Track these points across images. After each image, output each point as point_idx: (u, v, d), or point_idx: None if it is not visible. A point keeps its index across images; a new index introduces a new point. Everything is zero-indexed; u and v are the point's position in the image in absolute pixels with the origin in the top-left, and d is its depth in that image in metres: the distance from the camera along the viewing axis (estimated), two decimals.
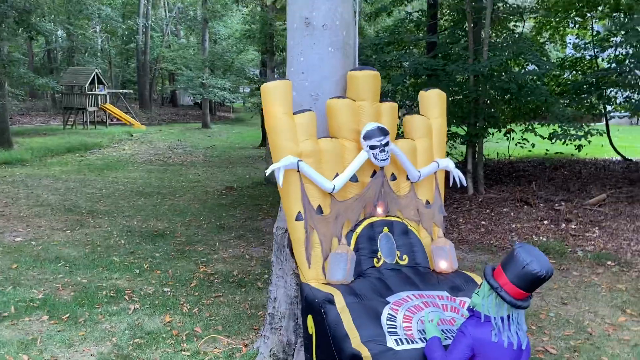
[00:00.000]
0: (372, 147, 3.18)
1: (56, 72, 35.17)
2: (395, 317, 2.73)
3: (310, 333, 2.97)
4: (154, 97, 39.95)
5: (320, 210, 3.14)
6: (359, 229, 3.19)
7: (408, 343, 2.59)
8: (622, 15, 13.09)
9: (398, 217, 3.32)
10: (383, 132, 3.20)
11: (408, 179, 3.42)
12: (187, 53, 34.62)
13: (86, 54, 38.35)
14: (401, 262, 3.20)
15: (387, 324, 2.68)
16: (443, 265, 3.22)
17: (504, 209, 8.93)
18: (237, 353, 4.00)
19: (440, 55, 10.51)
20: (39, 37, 26.89)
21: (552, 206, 8.89)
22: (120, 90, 32.48)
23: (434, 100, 3.66)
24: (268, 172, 3.04)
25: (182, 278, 6.16)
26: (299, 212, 3.11)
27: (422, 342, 2.61)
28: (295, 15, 3.45)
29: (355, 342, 2.59)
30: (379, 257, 3.17)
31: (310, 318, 2.96)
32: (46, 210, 10.00)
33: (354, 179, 3.24)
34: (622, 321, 4.71)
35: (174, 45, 36.98)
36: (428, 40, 11.17)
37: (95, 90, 27.25)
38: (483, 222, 8.29)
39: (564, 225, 7.86)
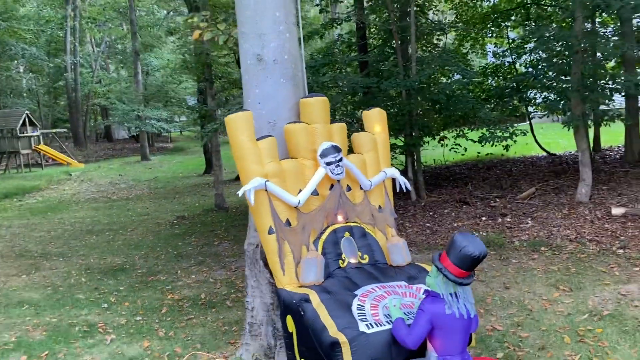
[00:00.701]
0: (328, 164, 3.63)
1: None
2: (364, 307, 3.17)
3: (290, 332, 3.36)
4: (88, 134, 39.09)
5: (288, 223, 3.55)
6: (324, 236, 3.62)
7: (377, 326, 3.03)
8: (533, 23, 14.31)
9: (356, 222, 3.78)
10: (337, 149, 3.67)
11: (361, 188, 3.90)
12: (119, 87, 34.26)
13: (11, 95, 37.18)
14: (362, 261, 3.65)
15: (358, 313, 3.12)
16: (399, 258, 3.70)
17: (446, 210, 9.61)
18: None
19: (372, 73, 11.19)
20: None
21: (488, 203, 9.65)
22: (53, 130, 31.67)
23: (376, 118, 4.17)
24: (240, 193, 3.42)
25: (152, 306, 6.36)
26: (270, 227, 3.51)
27: (389, 324, 3.05)
28: (248, 53, 3.88)
29: (333, 330, 3.01)
30: (343, 258, 3.60)
31: (289, 318, 3.35)
32: None
33: (314, 192, 3.68)
34: (557, 296, 5.34)
35: (105, 80, 36.49)
36: (360, 60, 11.85)
37: (26, 132, 26.49)
38: (428, 224, 8.91)
39: (500, 219, 8.60)
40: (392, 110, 10.21)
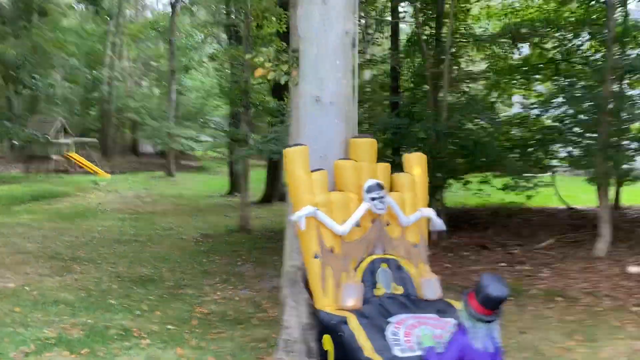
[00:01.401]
0: (372, 199, 4.01)
1: (17, 119, 35.04)
2: (398, 333, 3.50)
3: (326, 350, 3.69)
4: (115, 146, 40.10)
5: (332, 250, 3.91)
6: (363, 265, 3.98)
7: (409, 351, 3.36)
8: (562, 79, 14.68)
9: (393, 255, 4.13)
10: (381, 187, 4.05)
11: (399, 224, 4.26)
12: (151, 103, 35.29)
13: (46, 102, 38.43)
14: (396, 292, 3.99)
15: (392, 338, 3.45)
16: (431, 293, 4.03)
17: (465, 253, 9.88)
18: None
19: (403, 113, 11.63)
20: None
21: (507, 250, 9.91)
22: (86, 139, 32.62)
23: (416, 161, 4.56)
24: (293, 218, 3.80)
25: (182, 317, 6.71)
26: (315, 252, 3.88)
27: (420, 351, 3.37)
28: (307, 94, 4.32)
29: (368, 351, 3.34)
30: (378, 287, 3.95)
31: (326, 337, 3.69)
32: (29, 258, 10.25)
33: (357, 224, 4.05)
34: (571, 345, 5.58)
35: (137, 95, 37.57)
36: (392, 100, 12.33)
37: (60, 139, 27.39)
38: (447, 265, 9.17)
39: (518, 266, 8.84)
40: (421, 152, 10.57)
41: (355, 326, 3.51)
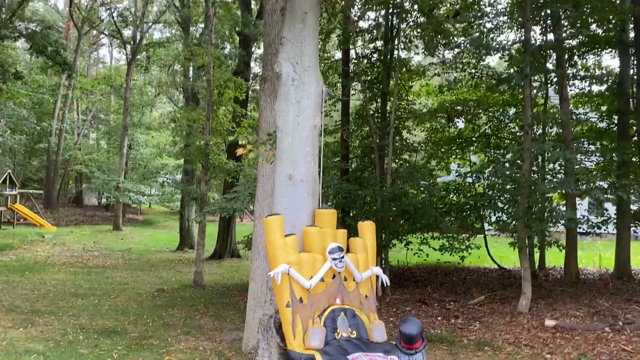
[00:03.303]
0: (334, 259, 5.02)
1: None
2: None
3: None
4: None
5: (301, 300, 4.86)
6: (325, 313, 4.93)
7: None
8: (492, 151, 16.47)
9: (349, 305, 5.11)
10: (340, 249, 5.08)
11: (354, 280, 5.27)
12: (100, 156, 35.38)
13: None
14: (352, 335, 4.95)
15: None
16: (378, 336, 5.01)
17: (407, 308, 10.93)
18: None
19: (352, 179, 12.88)
20: None
21: (443, 305, 11.04)
22: (31, 191, 32.18)
23: (367, 228, 5.64)
24: (271, 274, 4.75)
25: None
26: (288, 301, 4.81)
27: None
28: (282, 173, 5.37)
29: None
30: (338, 332, 4.90)
31: None
32: None
33: (321, 279, 5.03)
34: None
35: (86, 148, 37.54)
36: (343, 167, 13.60)
37: (5, 191, 27.07)
38: (391, 319, 10.17)
39: (453, 320, 9.96)
40: (367, 214, 11.77)
41: None
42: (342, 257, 5.08)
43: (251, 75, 19.50)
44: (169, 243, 25.74)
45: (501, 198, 13.39)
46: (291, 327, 4.76)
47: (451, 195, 17.10)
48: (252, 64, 21.78)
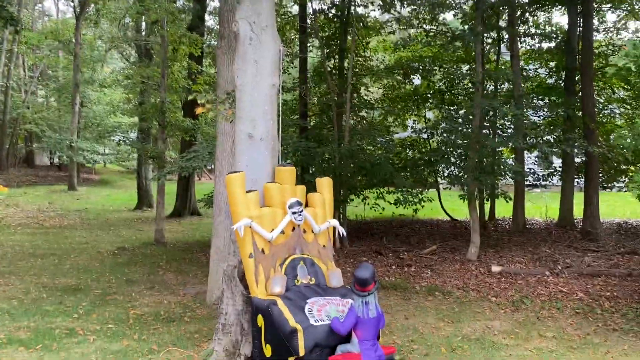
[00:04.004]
0: (293, 213, 5.31)
1: None
2: (312, 309, 4.81)
3: (260, 326, 4.91)
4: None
5: (263, 251, 5.15)
6: (286, 263, 5.24)
7: (321, 321, 4.69)
8: (446, 107, 16.93)
9: (308, 255, 5.44)
10: (300, 204, 5.36)
11: (313, 232, 5.58)
12: (51, 114, 34.23)
13: None
14: (311, 282, 5.29)
15: (308, 313, 4.75)
16: (335, 282, 5.38)
17: (363, 258, 11.44)
18: (194, 355, 5.71)
19: (311, 137, 13.10)
20: None
21: (398, 255, 11.61)
22: None
23: (325, 184, 5.92)
24: (234, 227, 5.00)
25: (119, 318, 7.55)
26: (251, 253, 5.09)
27: (328, 320, 4.71)
28: (242, 132, 5.55)
29: (292, 323, 4.61)
30: (298, 279, 5.23)
31: (259, 317, 4.91)
32: None
33: (282, 231, 5.32)
34: (441, 326, 7.19)
35: (35, 106, 36.20)
36: (302, 125, 13.78)
37: None
38: (349, 269, 10.65)
39: (406, 268, 10.53)
40: (326, 171, 12.09)
41: (281, 306, 4.76)
42: (301, 211, 5.37)
43: (206, 30, 19.09)
44: (126, 202, 25.51)
45: (453, 153, 13.93)
46: (254, 276, 5.06)
47: (407, 151, 17.59)
48: (207, 17, 21.26)
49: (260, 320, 4.91)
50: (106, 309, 8.07)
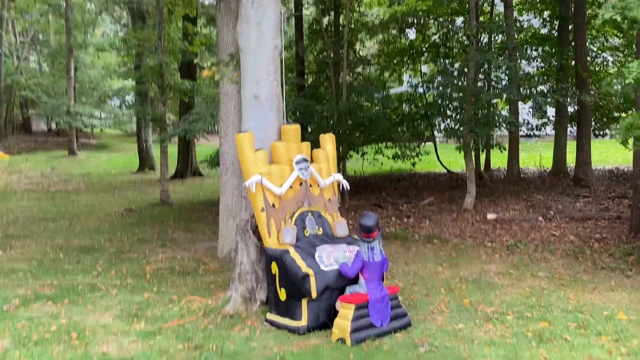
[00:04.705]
0: (300, 169, 5.67)
1: None
2: (322, 256, 5.24)
3: (274, 273, 5.35)
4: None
5: (273, 205, 5.54)
6: (295, 215, 5.64)
7: (330, 266, 5.13)
8: (442, 60, 17.07)
9: (315, 208, 5.84)
10: (305, 160, 5.72)
11: (319, 186, 5.96)
12: (44, 80, 34.09)
13: None
14: (319, 232, 5.71)
15: (318, 259, 5.19)
16: (341, 232, 5.81)
17: (364, 212, 11.88)
18: (212, 303, 6.17)
19: (309, 95, 13.34)
20: None
21: (397, 207, 12.07)
22: None
23: (328, 140, 6.26)
24: (247, 184, 5.37)
25: (136, 274, 8.00)
26: (262, 207, 5.48)
27: (337, 265, 5.15)
28: (247, 93, 5.84)
29: (304, 268, 5.05)
30: (307, 230, 5.64)
31: (273, 264, 5.34)
32: None
33: (290, 187, 5.69)
34: (440, 270, 7.68)
35: (30, 72, 35.98)
36: (299, 83, 13.99)
37: None
38: (350, 222, 11.09)
39: (405, 219, 10.99)
40: (324, 129, 12.38)
41: (293, 254, 5.19)
42: (307, 166, 5.73)
43: None
44: (128, 165, 25.81)
45: (449, 106, 14.21)
46: (266, 228, 5.46)
47: (404, 106, 17.82)
48: None
49: (274, 267, 5.34)
50: (123, 266, 8.52)
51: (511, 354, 4.57)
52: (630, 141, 6.14)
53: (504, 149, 13.34)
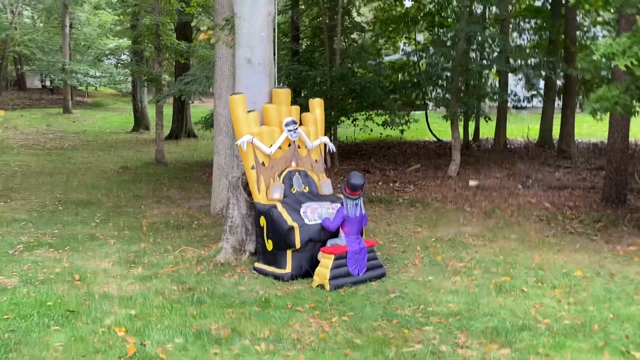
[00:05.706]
0: (289, 130, 6.07)
1: None
2: (307, 212, 5.70)
3: (262, 226, 5.81)
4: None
5: (263, 164, 5.96)
6: (283, 174, 6.07)
7: (314, 221, 5.60)
8: (436, 29, 17.24)
9: (302, 168, 6.27)
10: (294, 122, 6.11)
11: (306, 147, 6.37)
12: (39, 36, 33.81)
13: None
14: (305, 190, 6.15)
15: (303, 214, 5.65)
16: (326, 190, 6.25)
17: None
18: (204, 253, 6.65)
19: (303, 60, 13.60)
20: None
21: (384, 173, 12.52)
22: None
23: (317, 105, 6.65)
24: (238, 143, 5.77)
25: (133, 226, 8.46)
26: (253, 165, 5.90)
27: (320, 220, 5.62)
28: (241, 57, 6.18)
29: (289, 222, 5.51)
30: (294, 188, 6.08)
31: (262, 218, 5.80)
32: None
33: (279, 147, 6.10)
34: (419, 230, 8.17)
35: (23, 28, 35.65)
36: (293, 48, 14.21)
37: None
38: (338, 185, 11.52)
39: (391, 184, 11.46)
40: (317, 94, 12.70)
41: (280, 209, 5.65)
42: (296, 128, 6.13)
43: None
44: (123, 125, 26.06)
45: (441, 75, 14.51)
46: (256, 185, 5.90)
47: (397, 74, 18.11)
48: None
49: (262, 221, 5.80)
50: (120, 219, 8.97)
51: (471, 300, 5.09)
52: (599, 113, 6.53)
53: (489, 119, 13.74)
